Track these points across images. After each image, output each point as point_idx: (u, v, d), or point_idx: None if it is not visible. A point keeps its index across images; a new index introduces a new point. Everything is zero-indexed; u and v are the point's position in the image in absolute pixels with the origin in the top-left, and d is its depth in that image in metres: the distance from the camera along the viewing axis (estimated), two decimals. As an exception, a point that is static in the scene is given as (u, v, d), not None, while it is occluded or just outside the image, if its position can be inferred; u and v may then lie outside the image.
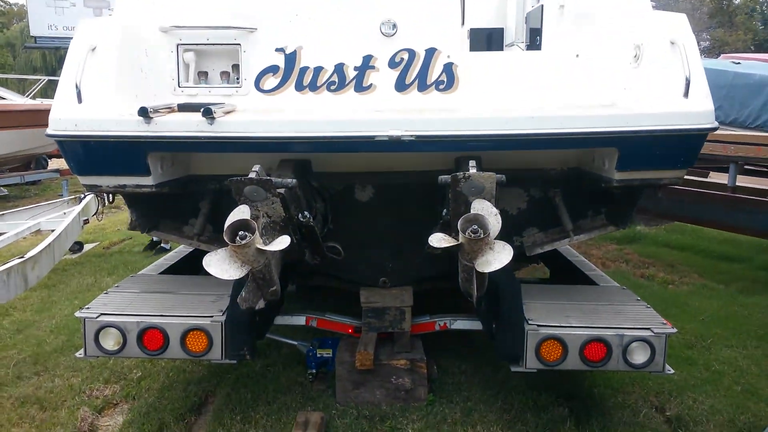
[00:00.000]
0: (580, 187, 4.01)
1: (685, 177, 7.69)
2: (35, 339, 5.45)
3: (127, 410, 4.20)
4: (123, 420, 4.07)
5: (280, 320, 4.47)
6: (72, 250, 8.69)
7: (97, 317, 3.62)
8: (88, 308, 3.75)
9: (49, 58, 33.62)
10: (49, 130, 3.33)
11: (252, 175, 3.09)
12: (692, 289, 7.05)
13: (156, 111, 3.27)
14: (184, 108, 3.44)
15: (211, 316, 3.65)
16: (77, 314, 3.68)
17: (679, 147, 3.42)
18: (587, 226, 4.22)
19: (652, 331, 3.53)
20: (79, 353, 3.70)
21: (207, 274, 4.45)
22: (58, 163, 17.99)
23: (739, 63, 9.49)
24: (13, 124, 14.19)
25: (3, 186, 12.89)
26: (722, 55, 12.98)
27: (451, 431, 3.87)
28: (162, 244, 8.66)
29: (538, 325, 3.60)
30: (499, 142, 3.39)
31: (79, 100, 3.31)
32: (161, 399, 4.30)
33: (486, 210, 2.98)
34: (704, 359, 5.00)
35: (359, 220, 4.12)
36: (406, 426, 3.93)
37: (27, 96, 15.20)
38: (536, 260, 6.06)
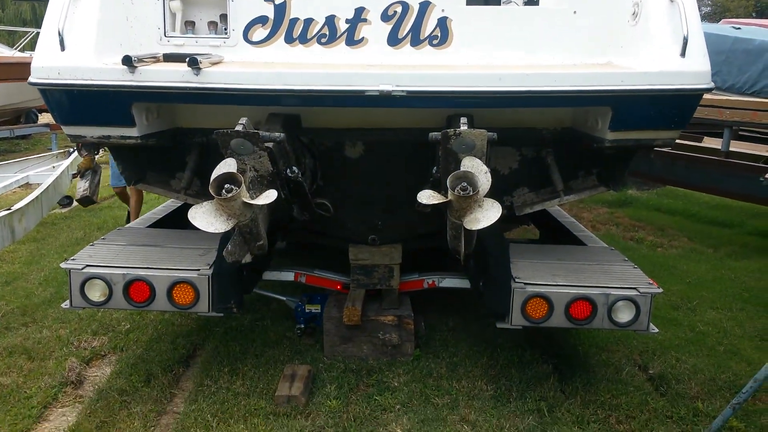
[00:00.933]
0: (573, 148, 3.97)
1: (679, 141, 7.73)
2: (23, 291, 5.45)
3: (115, 361, 4.23)
4: (111, 371, 4.10)
5: (269, 275, 4.48)
6: (61, 204, 8.65)
7: (82, 269, 3.61)
8: (73, 259, 3.73)
9: (39, 10, 32.75)
10: (32, 78, 3.26)
11: (239, 127, 3.03)
12: (681, 252, 7.10)
13: (141, 60, 3.18)
14: (169, 58, 3.36)
15: (198, 270, 3.65)
16: (63, 265, 3.67)
17: (674, 107, 3.38)
18: (578, 186, 4.20)
19: (638, 291, 3.55)
20: (65, 304, 3.70)
21: (194, 228, 4.44)
22: (48, 118, 17.76)
23: (739, 28, 9.33)
24: (2, 77, 13.93)
25: (-8, 139, 12.73)
26: (723, 20, 12.77)
27: (437, 385, 3.92)
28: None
29: (525, 283, 3.62)
30: (491, 99, 3.33)
31: (62, 48, 3.22)
32: (149, 351, 4.33)
33: (476, 168, 2.95)
34: (689, 320, 5.07)
35: (349, 177, 4.08)
36: (393, 379, 3.98)
37: (16, 48, 14.87)
38: (526, 221, 6.09)
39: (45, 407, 3.68)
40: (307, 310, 4.62)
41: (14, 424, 3.46)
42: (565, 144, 3.97)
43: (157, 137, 3.64)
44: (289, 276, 4.52)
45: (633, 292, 3.56)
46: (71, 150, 8.84)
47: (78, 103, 3.29)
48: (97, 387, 3.88)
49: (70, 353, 4.27)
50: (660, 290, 3.60)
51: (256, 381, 3.92)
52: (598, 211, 9.12)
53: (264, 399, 3.71)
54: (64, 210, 8.62)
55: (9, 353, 4.27)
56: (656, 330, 3.64)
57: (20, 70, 12.99)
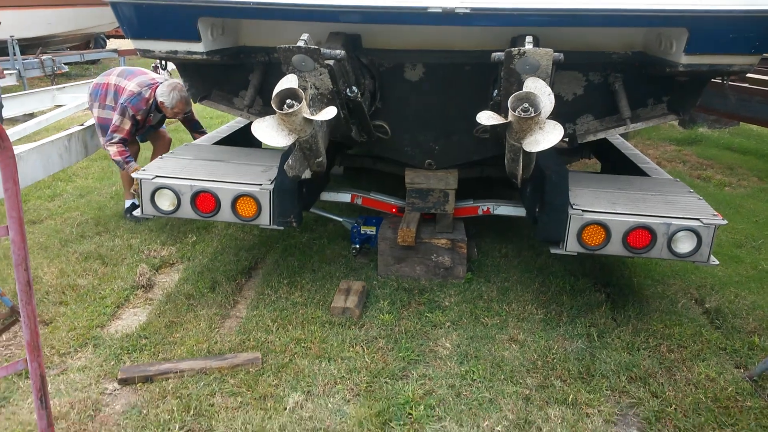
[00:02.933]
0: (643, 73, 3.82)
1: (756, 75, 7.22)
2: (96, 203, 5.79)
3: (182, 269, 4.49)
4: (178, 277, 4.36)
5: (327, 196, 4.59)
6: (130, 126, 8.96)
7: (152, 178, 3.80)
8: (144, 170, 3.92)
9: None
10: (104, -9, 3.35)
11: (300, 43, 3.06)
12: (749, 192, 6.81)
13: (206, -27, 3.22)
14: None
15: (260, 184, 3.77)
16: (134, 175, 3.87)
17: (755, 30, 3.18)
18: (646, 114, 4.06)
19: (701, 221, 3.47)
20: (137, 212, 3.92)
21: (256, 146, 4.56)
22: (117, 43, 18.22)
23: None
24: (73, 1, 14.28)
25: (64, 63, 13.18)
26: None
27: (487, 306, 4.00)
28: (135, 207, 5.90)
29: (583, 210, 3.59)
30: (560, 17, 3.21)
31: (130, -39, 3.29)
32: (214, 261, 4.57)
33: (539, 89, 2.88)
34: (752, 258, 4.92)
35: (408, 100, 4.07)
36: (443, 299, 4.08)
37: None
38: (588, 154, 5.94)
39: (118, 307, 3.97)
40: (362, 232, 4.73)
41: (91, 320, 3.75)
42: (635, 69, 3.82)
43: (222, 54, 3.71)
44: (346, 197, 4.62)
45: (695, 223, 3.48)
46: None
47: (146, 17, 3.38)
48: (165, 291, 4.15)
49: (140, 260, 4.56)
50: (724, 222, 3.50)
51: (313, 293, 4.10)
52: (665, 149, 8.79)
53: (320, 309, 3.89)
54: (132, 131, 8.95)
55: (85, 258, 4.59)
56: (717, 262, 3.56)
57: (88, -5, 13.31)
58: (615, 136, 5.59)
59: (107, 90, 5.20)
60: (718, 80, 4.11)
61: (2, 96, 8.10)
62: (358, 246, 4.72)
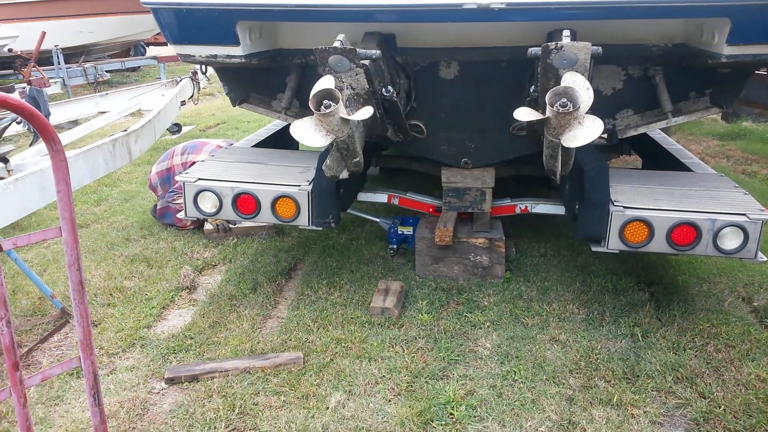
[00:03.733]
0: (683, 66, 3.73)
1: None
2: (141, 207, 5.94)
3: (224, 271, 4.58)
4: (221, 279, 4.45)
5: (364, 197, 4.62)
6: (171, 131, 9.19)
7: (195, 181, 3.88)
8: (186, 173, 4.01)
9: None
10: (144, -1, 3.44)
11: (336, 44, 3.08)
12: (799, 186, 6.58)
13: (243, -21, 3.28)
14: None
15: (299, 185, 3.82)
16: (177, 178, 3.96)
17: (802, 18, 3.08)
18: (688, 108, 3.96)
19: (748, 217, 3.37)
20: (181, 214, 4.01)
21: (294, 148, 4.61)
22: (156, 51, 18.66)
23: None
24: (113, 10, 14.68)
25: (106, 71, 13.58)
26: None
27: (527, 306, 3.97)
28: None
29: (624, 207, 3.53)
30: (598, 10, 3.16)
31: (170, -31, 3.37)
32: (255, 263, 4.64)
33: (578, 83, 2.84)
34: (803, 255, 4.75)
35: (443, 99, 4.06)
36: (482, 299, 4.05)
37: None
38: (628, 150, 5.83)
39: (163, 308, 4.06)
40: (399, 232, 4.74)
41: (138, 321, 3.86)
42: (676, 62, 3.73)
43: (260, 57, 3.77)
44: (382, 198, 4.63)
45: (742, 218, 3.39)
46: (178, 79, 9.30)
47: (186, 22, 3.46)
48: (209, 292, 4.23)
49: (184, 262, 4.66)
50: (773, 216, 3.39)
51: (351, 293, 4.13)
52: (707, 143, 8.55)
53: (359, 309, 3.92)
54: (174, 136, 9.17)
55: (131, 261, 4.72)
56: (765, 259, 3.45)
57: (130, 4, 13.64)
58: (656, 132, 5.48)
59: (174, 173, 5.30)
60: (762, 72, 3.99)
61: (49, 103, 8.38)
62: (395, 246, 4.73)
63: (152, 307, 4.03)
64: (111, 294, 4.20)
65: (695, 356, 3.43)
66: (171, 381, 3.25)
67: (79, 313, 2.15)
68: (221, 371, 3.28)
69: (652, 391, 3.15)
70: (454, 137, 4.21)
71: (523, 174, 5.06)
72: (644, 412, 2.98)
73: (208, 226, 5.10)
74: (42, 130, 1.96)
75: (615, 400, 3.05)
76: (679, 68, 3.77)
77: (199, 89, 9.50)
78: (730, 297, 4.09)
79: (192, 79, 9.17)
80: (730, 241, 3.43)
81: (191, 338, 3.65)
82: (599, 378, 3.23)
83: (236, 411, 2.99)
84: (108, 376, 3.32)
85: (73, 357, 2.22)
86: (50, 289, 3.94)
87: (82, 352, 2.19)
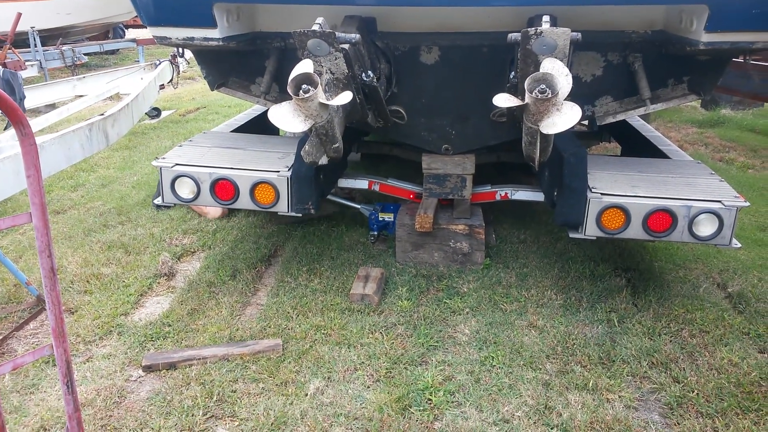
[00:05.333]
0: (663, 53, 3.75)
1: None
2: (119, 193, 5.86)
3: (203, 257, 4.54)
4: (200, 265, 4.41)
5: (344, 183, 4.60)
6: (150, 116, 9.06)
7: (172, 166, 3.83)
8: (164, 158, 3.96)
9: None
10: (119, -21, 3.36)
11: (315, 27, 3.04)
12: (775, 174, 6.68)
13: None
14: None
15: (278, 171, 3.79)
16: (154, 163, 3.90)
17: (778, 5, 3.10)
18: (666, 95, 3.99)
19: (723, 204, 3.41)
20: (157, 200, 3.96)
21: (274, 133, 4.56)
22: (136, 34, 18.33)
23: None
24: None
25: (84, 54, 13.31)
26: None
27: (506, 292, 3.99)
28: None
29: (602, 194, 3.55)
30: None
31: (146, -51, 3.29)
32: (234, 249, 4.61)
33: (556, 69, 2.84)
34: (776, 242, 4.84)
35: (424, 84, 4.04)
36: (462, 285, 4.07)
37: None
38: (608, 137, 5.87)
39: (141, 295, 4.02)
40: (380, 218, 4.73)
41: (115, 308, 3.82)
42: (655, 49, 3.75)
43: (238, 40, 3.71)
44: (363, 184, 4.62)
45: (717, 205, 3.43)
46: (157, 62, 9.15)
47: (162, 3, 3.40)
48: (187, 279, 4.20)
49: (162, 249, 4.61)
50: (746, 204, 3.44)
51: (332, 280, 4.12)
52: (686, 131, 8.64)
53: (339, 296, 3.91)
54: (153, 121, 9.05)
55: (108, 247, 4.66)
56: (739, 245, 3.50)
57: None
58: (635, 119, 5.51)
59: None
60: (740, 59, 4.03)
61: (24, 87, 8.21)
62: (376, 233, 4.73)
63: (130, 294, 3.99)
64: (88, 281, 4.15)
65: (670, 341, 3.48)
66: (148, 368, 3.23)
67: (51, 300, 2.12)
68: (199, 359, 3.26)
69: (627, 375, 3.20)
70: (434, 123, 4.20)
71: (503, 161, 5.07)
72: (619, 397, 3.02)
73: None
74: (10, 114, 1.91)
75: (591, 384, 3.09)
76: (658, 55, 3.79)
77: (178, 73, 9.36)
78: (706, 283, 4.15)
79: (171, 63, 9.03)
80: (705, 227, 3.47)
81: (169, 325, 3.62)
82: (575, 363, 3.27)
83: (214, 398, 2.98)
84: (84, 363, 3.29)
85: (46, 345, 2.19)
86: (26, 276, 3.88)
87: (54, 339, 2.16)
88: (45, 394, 3.03)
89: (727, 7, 3.10)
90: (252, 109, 5.71)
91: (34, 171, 1.99)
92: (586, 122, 4.32)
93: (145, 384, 3.14)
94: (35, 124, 6.03)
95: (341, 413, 2.89)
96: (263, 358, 3.28)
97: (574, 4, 3.28)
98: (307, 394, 3.01)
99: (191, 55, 4.14)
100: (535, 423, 2.84)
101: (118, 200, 5.66)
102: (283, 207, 3.83)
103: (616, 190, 3.60)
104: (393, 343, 3.44)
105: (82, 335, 3.53)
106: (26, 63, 10.62)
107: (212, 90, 4.30)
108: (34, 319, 3.75)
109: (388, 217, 4.73)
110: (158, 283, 4.19)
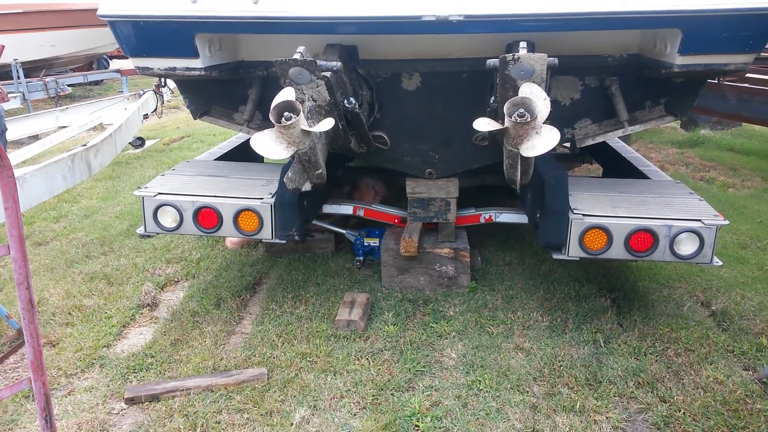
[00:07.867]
0: (639, 76, 3.83)
1: (757, 75, 7.20)
2: (101, 223, 5.82)
3: (187, 287, 4.50)
4: (183, 295, 4.37)
5: (329, 209, 4.59)
6: (134, 146, 9.05)
7: (155, 196, 3.81)
8: (146, 188, 3.94)
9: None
10: (100, 11, 3.39)
11: (296, 56, 3.08)
12: (753, 192, 6.78)
13: (201, -9, 3.25)
14: None
15: (261, 198, 3.79)
16: (136, 193, 3.88)
17: (748, 28, 3.19)
18: (644, 117, 4.06)
19: (703, 222, 3.45)
20: (140, 230, 3.94)
21: (257, 161, 4.57)
22: (120, 64, 18.38)
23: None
24: (75, 23, 14.42)
25: (68, 85, 13.30)
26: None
27: (492, 315, 3.99)
28: None
29: (584, 215, 3.58)
30: (554, 22, 3.23)
31: (128, -19, 3.33)
32: (218, 278, 4.58)
33: (535, 93, 2.89)
34: (757, 259, 4.89)
35: (406, 110, 4.08)
36: (448, 309, 4.06)
37: (86, -5, 15.26)
38: (589, 159, 5.94)
39: (124, 326, 3.97)
40: (366, 244, 4.73)
41: (98, 340, 3.76)
42: (631, 72, 3.82)
43: (220, 69, 3.74)
44: (348, 209, 4.61)
45: (697, 224, 3.47)
46: (141, 92, 9.17)
47: (144, 35, 3.42)
48: (171, 309, 4.15)
49: (145, 279, 4.57)
50: (726, 222, 3.48)
51: (317, 307, 4.10)
52: (667, 152, 8.77)
53: (325, 323, 3.88)
54: (136, 150, 9.03)
55: (90, 278, 4.61)
56: (720, 263, 3.54)
57: (93, 17, 13.45)
58: (615, 140, 5.59)
59: None
60: (715, 81, 4.12)
61: (6, 119, 8.17)
62: (362, 258, 4.72)
63: (112, 326, 3.93)
64: (70, 313, 4.09)
65: (656, 361, 3.49)
66: (131, 401, 3.17)
67: (29, 332, 2.09)
68: (183, 390, 3.21)
69: (614, 396, 3.19)
70: (417, 148, 4.23)
71: (487, 184, 5.11)
72: (606, 418, 3.01)
73: None
74: (-13, 146, 1.91)
75: (578, 406, 3.08)
76: (635, 78, 3.86)
77: (162, 102, 9.39)
78: (689, 301, 4.18)
79: (155, 92, 9.06)
80: (687, 246, 3.51)
81: (152, 356, 3.57)
82: (562, 385, 3.26)
83: (198, 430, 2.92)
84: (66, 397, 3.23)
85: (24, 378, 2.16)
86: (6, 309, 3.82)
87: (33, 373, 2.13)
88: (24, 430, 2.97)
89: (698, 30, 3.17)
90: (236, 137, 5.72)
91: (12, 203, 1.98)
92: (568, 145, 4.37)
93: (128, 417, 3.08)
94: (17, 155, 6.00)
95: (327, 442, 2.85)
96: (248, 388, 3.24)
97: (550, 30, 3.34)
98: (292, 424, 2.97)
99: (175, 84, 4.16)
100: (523, 447, 2.82)
101: (101, 231, 5.61)
102: (267, 234, 3.82)
103: (598, 210, 3.64)
104: (379, 369, 3.41)
105: (63, 368, 3.47)
106: (9, 95, 10.57)
107: (195, 119, 4.31)
108: (15, 353, 3.69)
109: (373, 242, 4.73)
110: (141, 313, 4.14)
